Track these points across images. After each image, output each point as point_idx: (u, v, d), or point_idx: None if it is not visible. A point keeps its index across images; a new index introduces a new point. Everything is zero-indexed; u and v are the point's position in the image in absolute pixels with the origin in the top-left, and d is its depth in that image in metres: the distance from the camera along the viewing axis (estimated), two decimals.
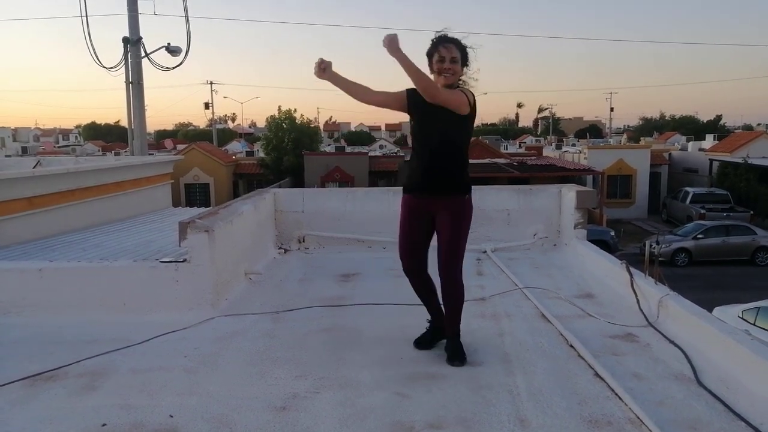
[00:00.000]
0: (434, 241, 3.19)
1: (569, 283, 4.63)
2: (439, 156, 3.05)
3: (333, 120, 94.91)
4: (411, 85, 2.93)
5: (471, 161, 3.25)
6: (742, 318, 10.12)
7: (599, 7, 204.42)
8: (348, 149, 39.26)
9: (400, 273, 4.62)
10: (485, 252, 5.61)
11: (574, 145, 47.91)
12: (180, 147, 41.04)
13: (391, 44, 2.80)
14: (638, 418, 2.43)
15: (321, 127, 64.76)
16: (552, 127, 79.42)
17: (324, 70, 3.04)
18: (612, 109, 66.96)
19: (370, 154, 33.52)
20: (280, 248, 5.90)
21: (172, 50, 12.29)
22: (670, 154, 33.78)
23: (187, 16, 11.88)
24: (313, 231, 5.96)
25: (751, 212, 23.83)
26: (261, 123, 72.53)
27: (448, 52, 2.99)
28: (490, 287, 4.48)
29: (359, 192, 6.30)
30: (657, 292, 3.68)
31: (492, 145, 36.90)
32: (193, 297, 3.95)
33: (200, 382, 2.89)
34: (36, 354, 3.29)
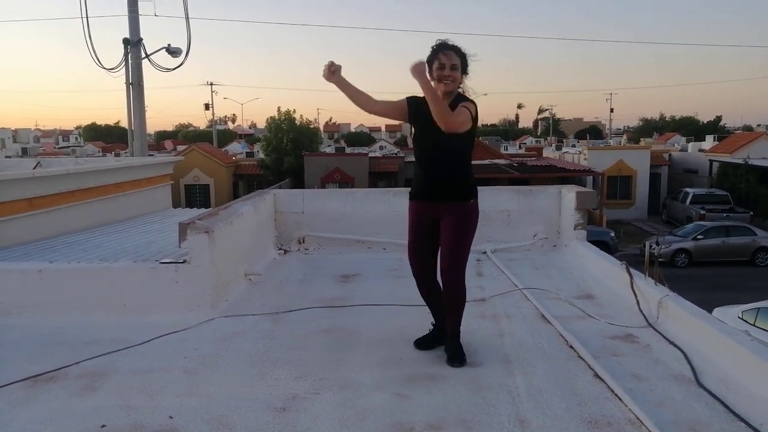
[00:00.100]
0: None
1: (569, 283, 4.63)
2: (441, 163, 3.06)
3: (333, 121, 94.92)
4: (410, 93, 2.95)
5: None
6: (741, 319, 10.11)
7: (598, 7, 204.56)
8: (348, 150, 39.24)
9: (399, 274, 4.61)
10: (485, 253, 5.61)
11: (574, 145, 47.95)
12: (180, 148, 41.08)
13: (420, 72, 2.88)
14: (638, 419, 2.43)
15: (321, 128, 64.79)
16: (552, 127, 79.45)
17: (333, 73, 3.07)
18: (612, 110, 67.03)
19: (370, 155, 33.50)
20: (280, 249, 5.90)
21: (173, 51, 12.30)
22: (670, 154, 33.79)
23: (187, 17, 11.91)
24: (313, 232, 5.97)
25: (751, 213, 23.82)
26: (261, 124, 72.67)
27: (448, 60, 2.99)
28: (490, 288, 4.49)
29: (359, 193, 6.31)
30: (657, 293, 3.68)
31: (492, 145, 36.95)
32: (193, 298, 3.95)
33: (200, 383, 2.89)
34: (36, 355, 3.29)
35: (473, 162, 3.29)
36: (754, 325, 9.81)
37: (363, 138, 69.73)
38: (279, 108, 32.13)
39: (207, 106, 51.91)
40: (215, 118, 57.46)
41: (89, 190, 7.30)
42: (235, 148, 50.62)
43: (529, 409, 2.54)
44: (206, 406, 2.63)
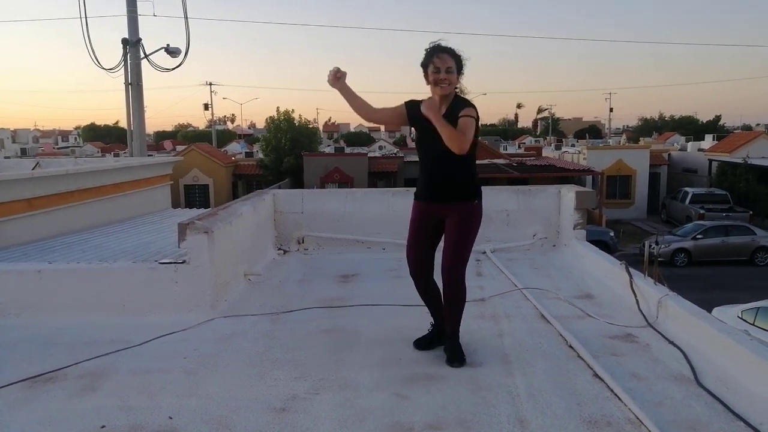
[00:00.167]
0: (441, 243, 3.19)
1: (569, 283, 4.63)
2: (444, 165, 3.06)
3: (332, 121, 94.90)
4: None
5: None
6: (741, 318, 10.12)
7: (598, 7, 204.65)
8: (347, 150, 39.24)
9: (399, 274, 4.61)
10: (484, 253, 5.61)
11: (573, 145, 47.95)
12: (179, 148, 41.04)
13: (430, 108, 2.98)
14: (637, 418, 2.43)
15: (320, 128, 64.76)
16: (551, 127, 79.46)
17: (338, 79, 3.09)
18: (611, 110, 67.06)
19: (370, 154, 33.47)
20: (279, 249, 5.90)
21: (172, 51, 12.28)
22: (669, 154, 33.80)
23: (186, 17, 11.90)
24: (313, 232, 5.96)
25: (751, 212, 23.83)
26: (260, 124, 72.62)
27: (443, 63, 2.98)
28: (489, 288, 4.49)
29: (358, 193, 6.31)
30: (656, 293, 3.68)
31: (491, 145, 36.89)
32: (192, 298, 3.95)
33: (200, 384, 2.89)
34: (35, 355, 3.29)
35: None
36: (753, 324, 9.82)
37: (362, 138, 69.70)
38: (278, 108, 32.14)
39: (206, 106, 51.98)
40: (214, 118, 57.46)
41: (88, 191, 7.29)
42: (235, 148, 50.59)
43: (528, 409, 2.54)
44: (206, 407, 2.63)
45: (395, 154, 37.52)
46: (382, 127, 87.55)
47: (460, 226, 3.08)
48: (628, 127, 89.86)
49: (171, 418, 2.53)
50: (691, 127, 62.39)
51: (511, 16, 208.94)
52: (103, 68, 11.57)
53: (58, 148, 56.93)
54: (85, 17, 11.07)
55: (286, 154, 29.68)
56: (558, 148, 44.32)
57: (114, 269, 4.07)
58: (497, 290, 4.41)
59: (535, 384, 2.79)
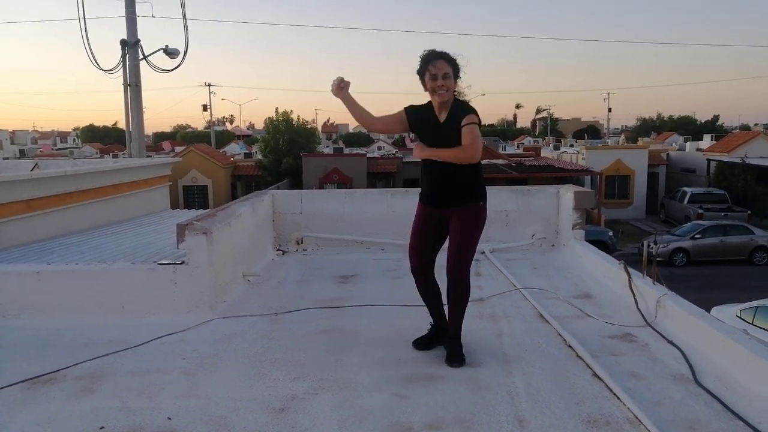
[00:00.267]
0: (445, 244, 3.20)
1: (567, 283, 4.64)
2: (446, 169, 3.05)
3: (331, 121, 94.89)
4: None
5: None
6: (740, 317, 10.13)
7: (597, 8, 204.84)
8: (346, 150, 39.25)
9: (398, 274, 4.62)
10: (483, 253, 5.61)
11: (572, 145, 48.00)
12: (178, 149, 40.99)
13: (422, 151, 3.09)
14: (636, 418, 2.43)
15: (319, 128, 64.73)
16: (550, 127, 79.53)
17: (342, 89, 3.10)
18: (610, 110, 67.13)
19: (369, 155, 33.50)
20: (278, 250, 5.90)
21: (170, 52, 12.27)
22: (667, 154, 33.82)
23: (185, 19, 11.90)
24: (312, 232, 5.96)
25: (749, 212, 23.86)
26: (259, 125, 72.61)
27: (439, 69, 2.96)
28: (488, 288, 4.49)
29: (357, 193, 6.31)
30: (655, 292, 3.68)
31: (490, 146, 36.91)
32: (191, 299, 3.95)
33: (199, 384, 2.89)
34: (34, 357, 3.29)
35: None
36: (752, 323, 9.83)
37: (361, 138, 69.64)
38: (277, 109, 32.14)
39: (205, 107, 51.95)
40: (213, 119, 57.43)
41: (87, 192, 7.29)
42: (233, 149, 50.58)
43: (527, 409, 2.54)
44: (205, 407, 2.63)
45: (394, 154, 37.54)
46: None
47: (465, 228, 3.08)
48: (626, 127, 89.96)
49: (170, 418, 2.53)
50: (689, 127, 62.43)
51: (510, 17, 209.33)
52: (102, 69, 11.56)
53: (57, 150, 56.88)
54: (84, 18, 11.07)
55: (284, 155, 29.68)
56: (557, 148, 44.34)
57: (113, 270, 4.07)
58: (496, 290, 4.41)
59: (534, 384, 2.80)
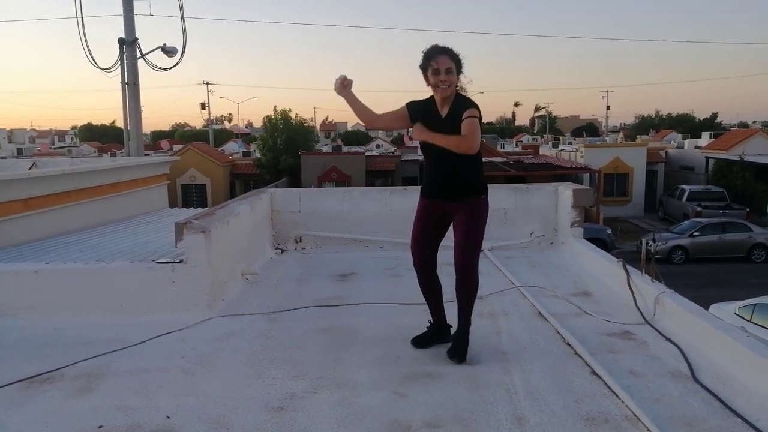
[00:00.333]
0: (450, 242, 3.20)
1: (566, 281, 4.64)
2: (448, 164, 3.06)
3: (330, 120, 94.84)
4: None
5: None
6: (738, 315, 10.14)
7: (596, 6, 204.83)
8: (345, 149, 39.21)
9: (397, 272, 4.61)
10: (482, 251, 5.61)
11: (570, 143, 47.94)
12: (176, 148, 40.92)
13: (421, 133, 3.05)
14: (635, 415, 2.43)
15: (318, 126, 64.65)
16: (548, 125, 79.50)
17: (345, 86, 3.09)
18: (608, 108, 66.97)
19: (367, 153, 33.48)
20: (276, 248, 5.89)
21: (168, 51, 12.25)
22: (666, 152, 33.85)
23: (182, 17, 11.87)
24: (310, 231, 5.96)
25: (747, 209, 23.90)
26: (257, 123, 72.61)
27: (442, 64, 2.98)
28: (487, 286, 4.47)
29: (356, 192, 6.30)
30: (653, 290, 3.68)
31: (489, 144, 36.98)
32: (189, 298, 3.94)
33: (197, 383, 2.88)
34: (32, 356, 3.28)
35: None
36: (750, 321, 9.84)
37: (360, 136, 69.61)
38: (275, 107, 32.14)
39: (203, 106, 51.81)
40: (211, 118, 57.35)
41: (85, 191, 7.28)
42: (232, 147, 50.47)
43: (526, 407, 2.55)
44: (203, 406, 2.62)
45: (393, 152, 37.51)
46: None
47: (469, 221, 3.09)
48: (625, 124, 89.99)
49: (169, 417, 2.53)
50: (687, 125, 62.44)
51: (510, 16, 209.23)
52: (100, 68, 11.54)
53: (55, 148, 56.74)
54: (81, 17, 11.03)
55: (282, 154, 29.67)
56: (555, 146, 44.31)
57: (111, 269, 4.06)
58: (495, 288, 4.41)
59: (533, 381, 2.80)
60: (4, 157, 29.35)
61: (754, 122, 69.78)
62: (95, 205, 7.47)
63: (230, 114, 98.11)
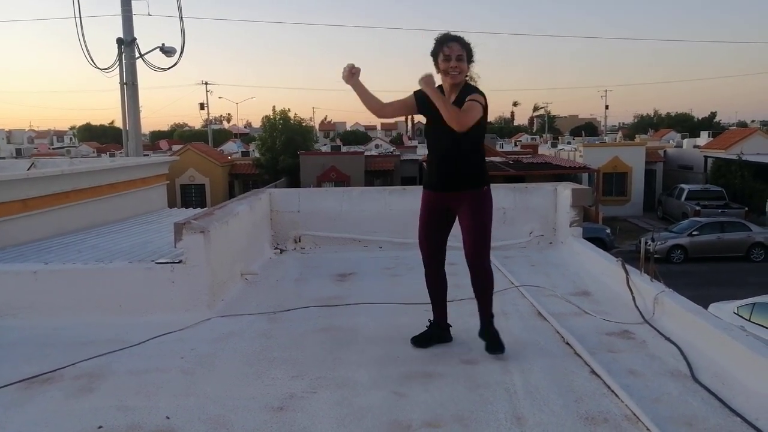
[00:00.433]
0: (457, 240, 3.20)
1: (565, 280, 4.64)
2: (453, 154, 3.08)
3: (329, 119, 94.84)
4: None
5: None
6: (737, 314, 10.14)
7: (595, 5, 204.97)
8: (344, 149, 39.22)
9: (396, 272, 4.61)
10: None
11: (569, 143, 47.96)
12: (175, 148, 40.89)
13: (429, 83, 2.96)
14: (634, 414, 2.44)
15: (317, 126, 64.62)
16: (547, 125, 79.52)
17: (353, 75, 3.09)
18: (607, 107, 67.33)
19: (366, 153, 33.49)
20: (276, 248, 5.89)
21: (167, 51, 12.25)
22: (665, 151, 33.87)
23: (181, 17, 11.89)
24: (309, 231, 5.96)
25: (746, 209, 23.90)
26: (256, 123, 72.56)
27: (453, 51, 3.00)
28: None
29: (355, 192, 6.30)
30: (653, 289, 3.69)
31: (488, 143, 36.91)
32: (189, 298, 3.94)
33: (197, 383, 2.88)
34: (32, 356, 3.28)
35: None
36: (749, 320, 9.85)
37: (359, 136, 69.65)
38: (274, 107, 32.11)
39: (202, 106, 51.73)
40: (210, 118, 57.30)
41: (84, 191, 7.27)
42: (231, 147, 50.42)
43: (526, 406, 2.55)
44: (203, 406, 2.63)
45: (392, 152, 37.51)
46: (379, 126, 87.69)
47: (475, 213, 3.10)
48: (623, 124, 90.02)
49: (168, 417, 2.53)
50: (686, 124, 62.51)
51: (508, 15, 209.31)
52: (98, 68, 11.54)
53: (54, 149, 56.62)
54: (80, 17, 11.02)
55: (281, 154, 29.67)
56: (554, 145, 44.32)
57: (110, 269, 4.06)
58: (494, 288, 4.40)
59: (533, 381, 2.80)
60: (3, 158, 29.32)
61: (753, 121, 69.86)
62: (94, 205, 7.47)
63: (229, 114, 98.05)
